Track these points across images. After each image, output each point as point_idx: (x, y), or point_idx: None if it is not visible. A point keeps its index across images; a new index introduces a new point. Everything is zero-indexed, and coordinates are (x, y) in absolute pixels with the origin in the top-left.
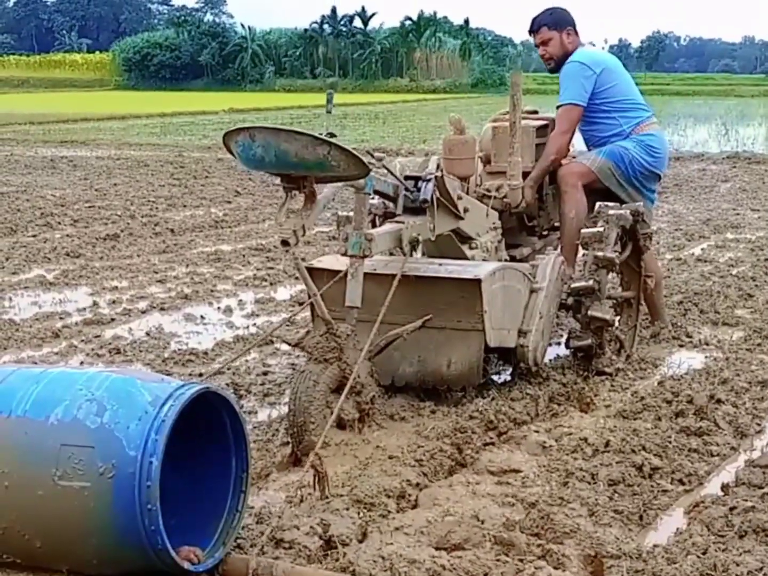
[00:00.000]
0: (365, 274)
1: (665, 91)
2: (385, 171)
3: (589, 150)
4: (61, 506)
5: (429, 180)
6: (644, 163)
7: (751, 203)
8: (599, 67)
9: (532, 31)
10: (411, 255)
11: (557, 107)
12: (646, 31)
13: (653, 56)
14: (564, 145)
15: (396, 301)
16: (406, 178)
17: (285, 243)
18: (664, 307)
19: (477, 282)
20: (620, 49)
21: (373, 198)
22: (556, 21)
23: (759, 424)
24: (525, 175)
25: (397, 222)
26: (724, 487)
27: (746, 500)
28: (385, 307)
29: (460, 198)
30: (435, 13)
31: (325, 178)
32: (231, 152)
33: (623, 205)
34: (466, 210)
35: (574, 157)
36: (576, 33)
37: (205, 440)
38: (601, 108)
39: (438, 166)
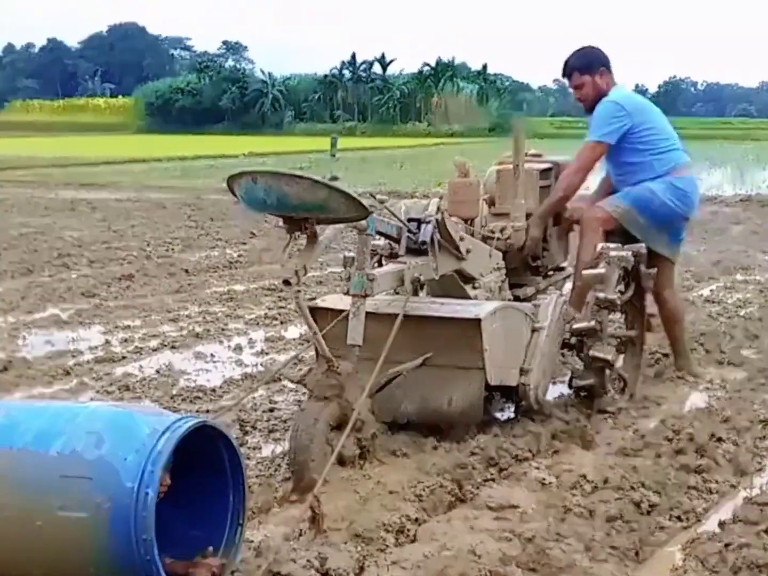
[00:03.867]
0: (368, 313)
1: (682, 136)
2: (389, 213)
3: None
4: (60, 536)
5: (429, 222)
6: (674, 207)
7: (762, 245)
8: (635, 108)
9: (565, 75)
10: (416, 294)
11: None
12: (663, 77)
13: (670, 101)
14: (574, 184)
15: (398, 339)
16: (409, 220)
17: (287, 282)
18: (686, 345)
19: (477, 321)
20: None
21: (379, 239)
22: (587, 64)
23: (759, 463)
24: (529, 217)
25: (399, 262)
26: (721, 524)
27: (741, 537)
28: (387, 346)
29: (462, 239)
30: (453, 59)
31: (326, 220)
32: (234, 195)
33: (625, 246)
34: (468, 251)
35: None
36: (609, 72)
37: (204, 474)
38: (634, 150)
39: (438, 209)
